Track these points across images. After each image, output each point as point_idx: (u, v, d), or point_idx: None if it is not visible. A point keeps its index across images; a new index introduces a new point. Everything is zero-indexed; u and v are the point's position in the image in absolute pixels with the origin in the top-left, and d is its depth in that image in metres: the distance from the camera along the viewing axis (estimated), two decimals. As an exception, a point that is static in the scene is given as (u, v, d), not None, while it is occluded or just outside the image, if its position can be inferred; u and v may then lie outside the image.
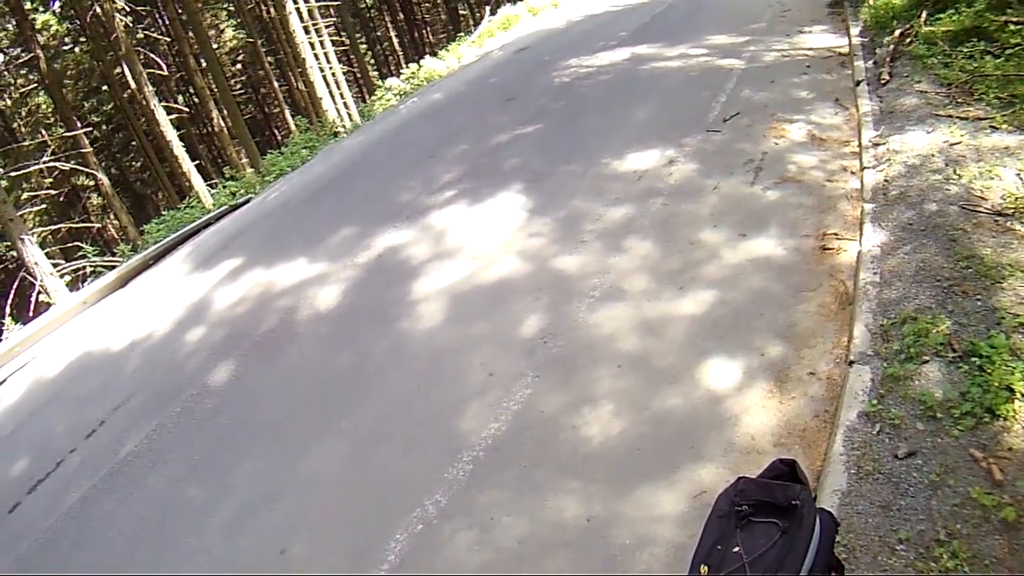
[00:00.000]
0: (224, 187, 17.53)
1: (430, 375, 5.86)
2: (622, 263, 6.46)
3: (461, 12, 50.93)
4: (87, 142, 25.92)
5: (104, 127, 32.32)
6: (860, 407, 4.03)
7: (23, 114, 33.37)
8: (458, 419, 5.23)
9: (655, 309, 5.71)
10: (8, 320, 14.68)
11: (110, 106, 33.83)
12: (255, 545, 4.89)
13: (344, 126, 20.76)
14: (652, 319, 5.60)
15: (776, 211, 6.52)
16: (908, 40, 8.74)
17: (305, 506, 5.08)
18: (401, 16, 50.28)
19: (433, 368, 5.94)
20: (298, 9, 24.12)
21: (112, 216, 31.78)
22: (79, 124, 27.39)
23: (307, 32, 24.45)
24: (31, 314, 14.69)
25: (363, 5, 49.13)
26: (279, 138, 35.44)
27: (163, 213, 18.04)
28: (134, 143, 33.98)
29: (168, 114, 24.57)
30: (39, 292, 15.64)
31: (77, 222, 21.29)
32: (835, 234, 5.98)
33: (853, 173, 6.81)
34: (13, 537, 6.22)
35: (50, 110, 32.80)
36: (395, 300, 7.12)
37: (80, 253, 17.40)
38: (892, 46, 8.75)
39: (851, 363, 4.39)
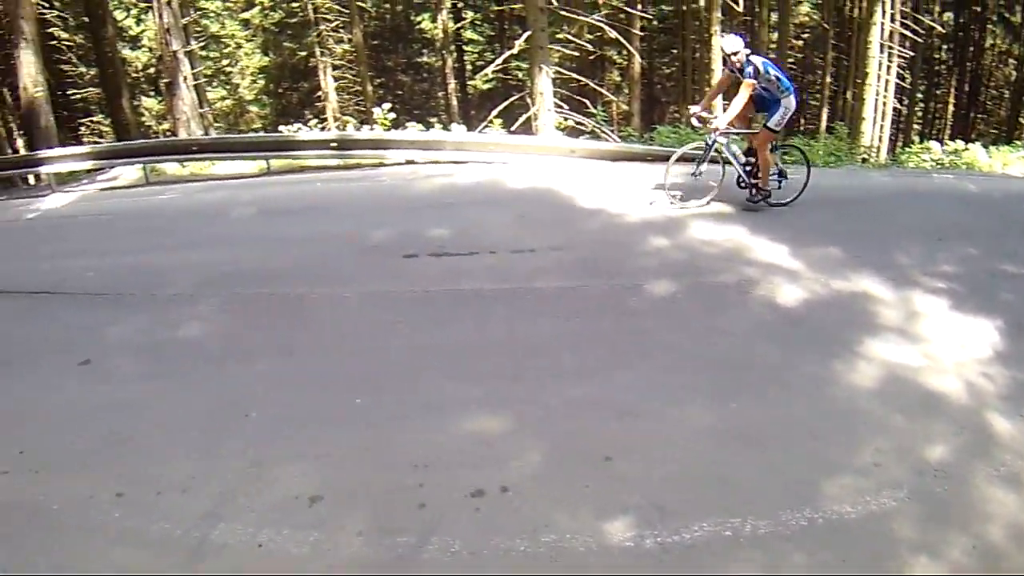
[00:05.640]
0: (742, 139, 17.71)
1: (826, 424, 5.66)
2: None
3: (1029, 114, 46.65)
4: (638, 26, 27.12)
5: (654, 23, 33.43)
6: None
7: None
8: (822, 477, 5.02)
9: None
10: (496, 123, 15.95)
11: (671, 8, 35.01)
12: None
13: (871, 157, 20.09)
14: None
15: None
16: None
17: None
18: (967, 88, 47.14)
19: (832, 420, 5.72)
20: (883, 25, 23.32)
21: (622, 100, 33.25)
22: (639, 7, 28.74)
23: (881, 50, 23.66)
24: (511, 129, 15.81)
25: (936, 57, 46.53)
26: (801, 126, 34.88)
27: (676, 126, 18.46)
28: (675, 50, 35.06)
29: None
30: (531, 118, 16.80)
31: (595, 85, 22.42)
32: None
33: None
34: (391, 274, 7.67)
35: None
36: (840, 341, 6.86)
37: (588, 111, 18.36)
38: None
39: None
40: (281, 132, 17.45)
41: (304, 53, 36.59)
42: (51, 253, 10.93)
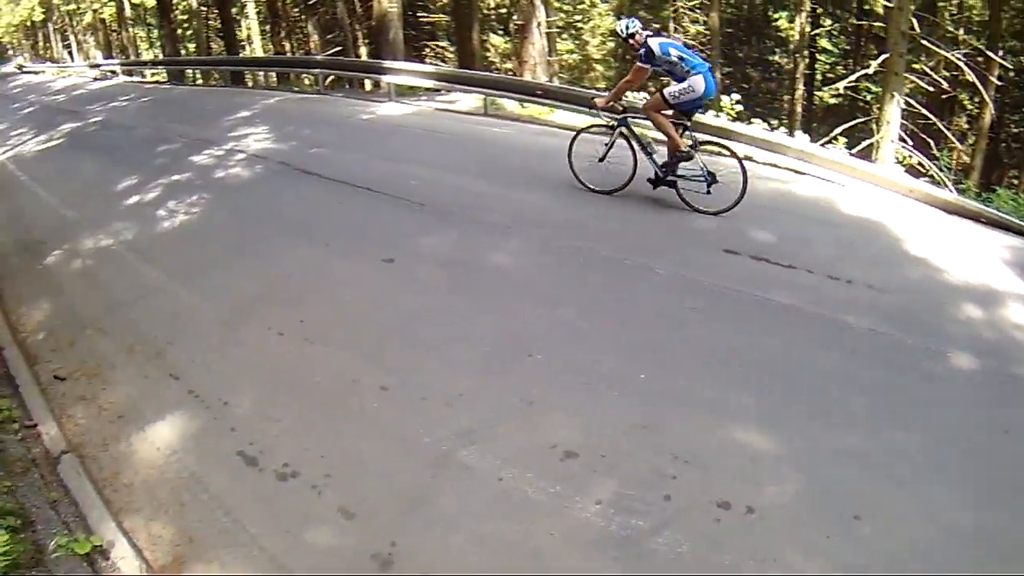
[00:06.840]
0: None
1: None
2: None
3: None
4: (995, 73, 25.69)
5: (1011, 74, 31.08)
6: None
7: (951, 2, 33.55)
8: None
9: None
10: (840, 141, 15.76)
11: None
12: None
13: None
14: None
15: None
16: None
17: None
18: None
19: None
20: None
21: (964, 150, 31.46)
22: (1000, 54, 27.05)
23: None
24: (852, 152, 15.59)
25: None
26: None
27: (1018, 193, 17.47)
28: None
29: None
30: (873, 145, 16.41)
31: (942, 126, 21.47)
32: None
33: None
34: (705, 263, 8.15)
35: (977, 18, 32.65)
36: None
37: (931, 152, 17.86)
38: None
39: None
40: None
41: (658, 26, 36.76)
42: (380, 155, 12.08)
